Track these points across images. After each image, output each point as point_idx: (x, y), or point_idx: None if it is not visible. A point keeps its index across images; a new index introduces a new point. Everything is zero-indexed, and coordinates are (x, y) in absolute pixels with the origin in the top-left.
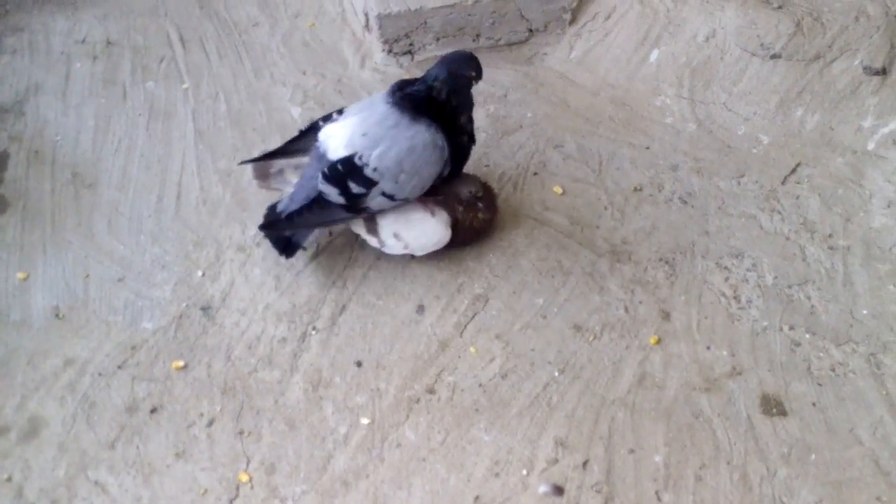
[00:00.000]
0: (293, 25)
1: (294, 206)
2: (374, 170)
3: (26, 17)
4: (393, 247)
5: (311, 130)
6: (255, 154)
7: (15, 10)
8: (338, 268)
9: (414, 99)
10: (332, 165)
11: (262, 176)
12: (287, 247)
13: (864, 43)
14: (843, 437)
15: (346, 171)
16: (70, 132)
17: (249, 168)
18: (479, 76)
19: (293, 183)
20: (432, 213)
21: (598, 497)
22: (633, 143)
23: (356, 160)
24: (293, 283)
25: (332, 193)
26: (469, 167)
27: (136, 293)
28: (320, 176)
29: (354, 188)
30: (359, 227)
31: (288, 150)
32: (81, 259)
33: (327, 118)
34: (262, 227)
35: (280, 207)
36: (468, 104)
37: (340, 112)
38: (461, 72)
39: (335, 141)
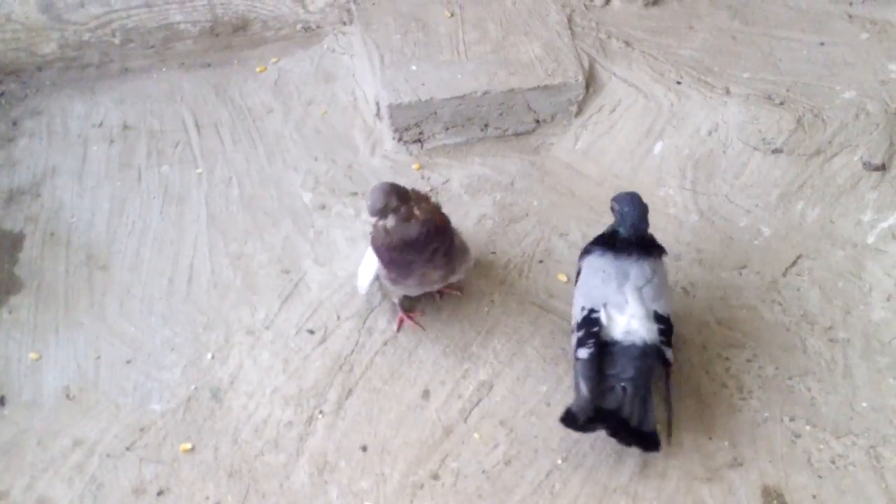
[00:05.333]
0: (306, 113)
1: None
2: None
3: (45, 101)
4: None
5: None
6: (266, 237)
7: (34, 93)
8: (345, 352)
9: None
10: None
11: None
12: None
13: (864, 139)
14: None
15: None
16: (85, 214)
17: None
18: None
19: None
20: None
21: None
22: None
23: None
24: (301, 367)
25: None
26: (474, 254)
27: (145, 375)
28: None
29: None
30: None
31: None
32: (93, 340)
33: None
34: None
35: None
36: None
37: None
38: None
39: None
